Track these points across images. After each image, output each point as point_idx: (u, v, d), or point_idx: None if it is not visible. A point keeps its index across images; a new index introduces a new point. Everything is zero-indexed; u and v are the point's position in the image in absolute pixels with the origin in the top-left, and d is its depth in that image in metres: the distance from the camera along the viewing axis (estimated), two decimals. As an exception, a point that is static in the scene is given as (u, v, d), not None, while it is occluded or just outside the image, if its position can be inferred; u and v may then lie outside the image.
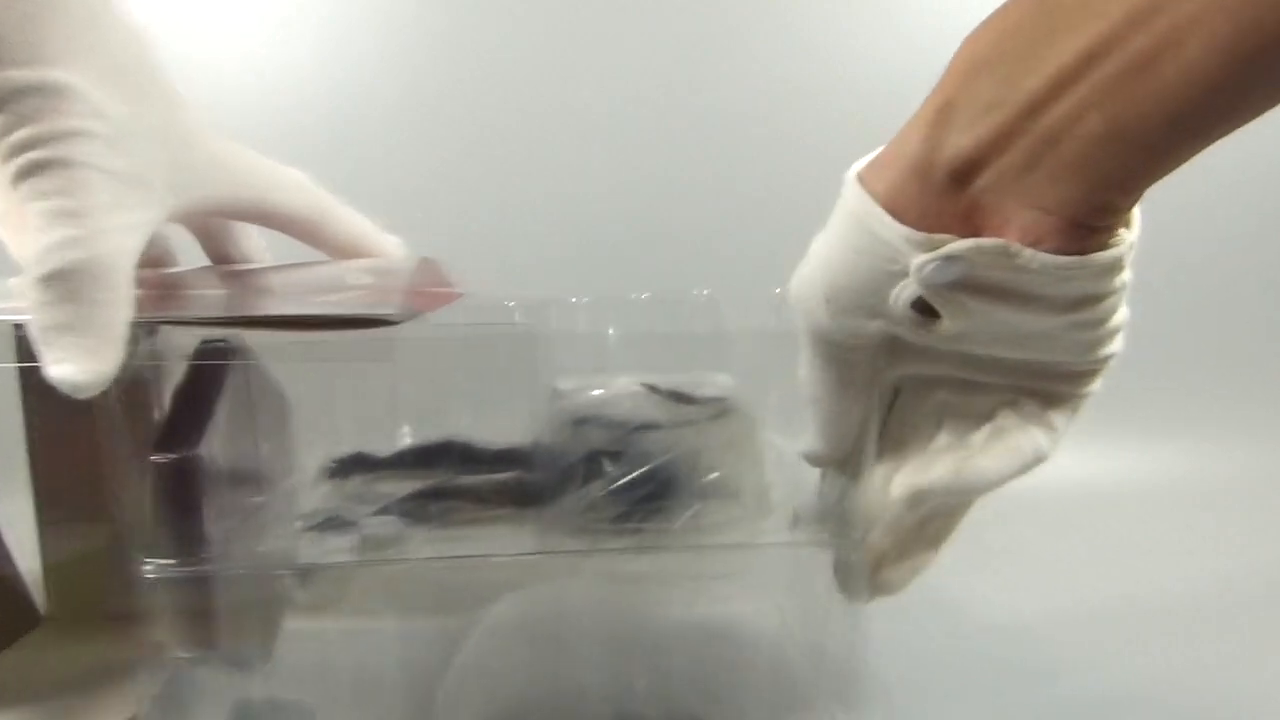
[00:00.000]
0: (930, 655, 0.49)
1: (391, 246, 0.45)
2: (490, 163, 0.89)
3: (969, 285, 0.32)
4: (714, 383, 0.40)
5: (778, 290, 0.50)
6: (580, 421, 0.40)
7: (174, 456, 0.37)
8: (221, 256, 0.44)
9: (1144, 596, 0.57)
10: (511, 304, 0.51)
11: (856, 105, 0.93)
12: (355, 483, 0.46)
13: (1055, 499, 0.64)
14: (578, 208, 0.89)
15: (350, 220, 0.43)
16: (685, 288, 0.52)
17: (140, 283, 0.38)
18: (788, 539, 0.38)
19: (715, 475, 0.39)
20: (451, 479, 0.43)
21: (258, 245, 0.45)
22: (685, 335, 0.46)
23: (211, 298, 0.40)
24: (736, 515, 0.39)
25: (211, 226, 0.43)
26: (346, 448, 0.46)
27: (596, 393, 0.40)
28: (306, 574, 0.41)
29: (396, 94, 0.87)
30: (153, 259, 0.42)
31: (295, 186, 0.41)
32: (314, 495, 0.45)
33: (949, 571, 0.37)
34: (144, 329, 0.37)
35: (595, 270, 0.88)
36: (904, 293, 0.33)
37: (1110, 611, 0.55)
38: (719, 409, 0.39)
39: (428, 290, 0.42)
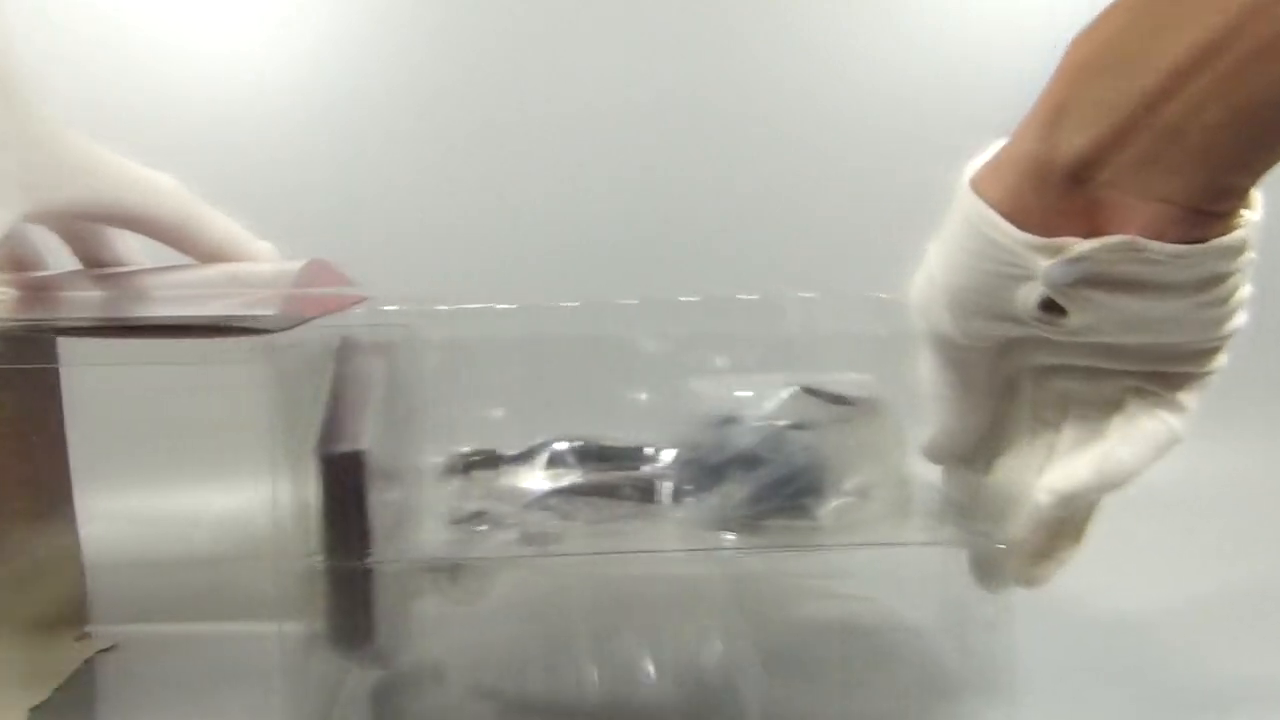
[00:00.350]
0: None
1: (264, 252, 0.45)
2: (489, 162, 0.88)
3: (1095, 281, 0.33)
4: (856, 383, 0.41)
5: (883, 295, 0.52)
6: (725, 421, 0.41)
7: (341, 452, 0.37)
8: (93, 260, 0.43)
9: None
10: (630, 302, 0.52)
11: (857, 105, 0.94)
12: (481, 478, 0.46)
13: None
14: (577, 208, 0.89)
15: (220, 225, 0.43)
16: (786, 289, 0.53)
17: (9, 284, 0.38)
18: (929, 537, 0.40)
19: (860, 475, 0.41)
20: (589, 475, 0.44)
21: (132, 248, 0.44)
22: (805, 337, 0.47)
23: (82, 300, 0.40)
24: (880, 514, 0.41)
25: (79, 230, 0.43)
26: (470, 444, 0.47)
27: (742, 393, 0.41)
28: (457, 569, 0.41)
29: (397, 94, 0.86)
30: (17, 261, 0.42)
31: (160, 191, 0.41)
32: (443, 490, 0.45)
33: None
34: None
35: (595, 271, 0.87)
36: (1030, 295, 0.34)
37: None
38: (868, 410, 0.40)
39: (313, 295, 0.42)
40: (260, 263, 0.43)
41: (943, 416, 0.39)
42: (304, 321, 0.38)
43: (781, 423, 0.41)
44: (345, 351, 0.41)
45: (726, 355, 0.48)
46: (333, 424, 0.38)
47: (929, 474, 0.41)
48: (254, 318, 0.36)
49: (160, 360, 0.47)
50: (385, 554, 0.38)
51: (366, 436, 0.38)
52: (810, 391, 0.40)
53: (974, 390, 0.39)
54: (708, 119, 0.95)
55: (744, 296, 0.52)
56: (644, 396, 0.48)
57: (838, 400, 0.40)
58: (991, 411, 0.39)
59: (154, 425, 0.63)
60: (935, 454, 0.41)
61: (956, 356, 0.38)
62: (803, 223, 0.92)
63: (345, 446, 0.37)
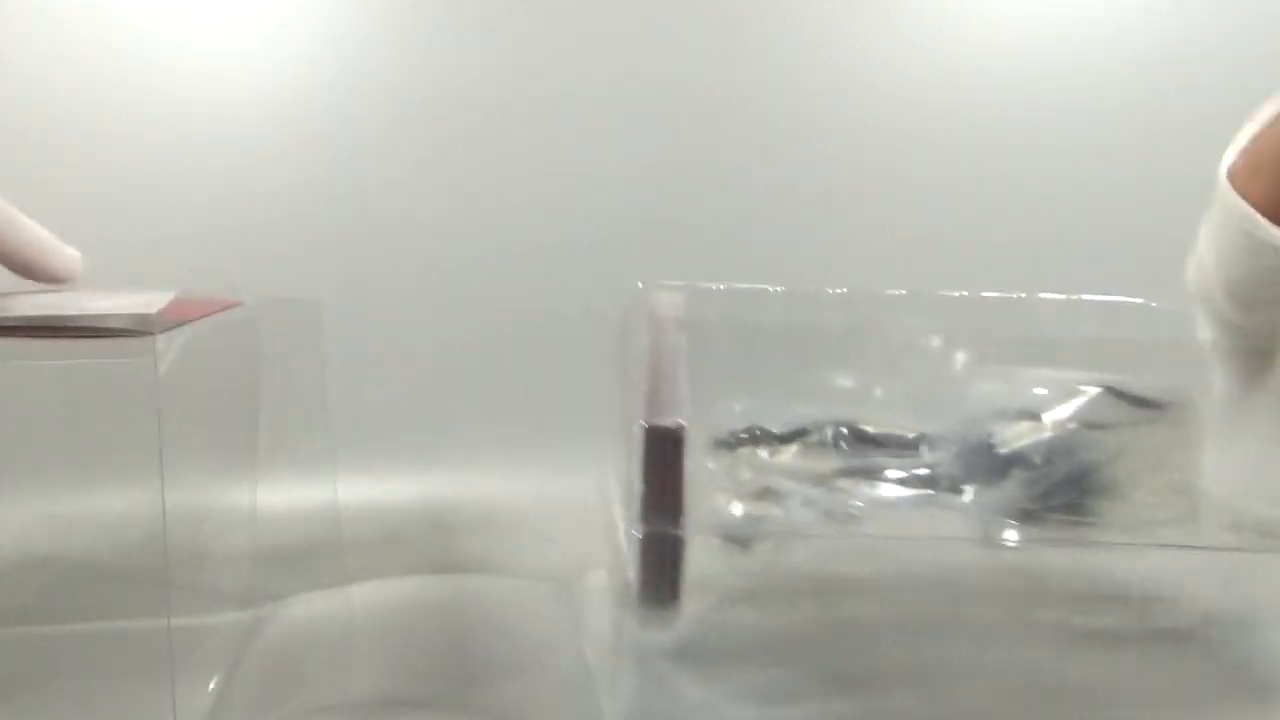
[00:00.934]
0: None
1: (71, 259, 0.44)
2: (490, 162, 0.86)
3: None
4: (1162, 387, 0.42)
5: (1154, 305, 0.52)
6: (1018, 415, 0.42)
7: (665, 425, 0.39)
8: None
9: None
10: (898, 292, 0.53)
11: (856, 105, 0.91)
12: (751, 455, 0.48)
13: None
14: (576, 207, 0.87)
15: (26, 230, 0.43)
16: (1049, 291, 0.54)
17: None
18: (1220, 543, 0.40)
19: (1152, 479, 0.41)
20: (865, 460, 0.45)
21: None
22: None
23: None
24: (1169, 518, 0.41)
25: None
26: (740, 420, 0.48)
27: (1040, 390, 0.42)
28: (750, 541, 0.43)
29: (397, 94, 0.83)
30: None
31: None
32: (718, 465, 0.47)
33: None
34: None
35: (595, 272, 0.85)
36: None
37: None
38: (1171, 415, 0.41)
39: (190, 299, 0.42)
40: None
41: (1233, 413, 0.40)
42: (185, 323, 0.38)
43: (1075, 422, 0.41)
44: (654, 324, 0.43)
45: (992, 351, 0.48)
46: (654, 396, 0.40)
47: (1223, 483, 0.42)
48: (136, 318, 0.36)
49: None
50: (693, 523, 0.40)
51: (686, 409, 0.40)
52: (1114, 392, 0.41)
53: (1261, 379, 0.39)
54: (710, 119, 0.91)
55: (1007, 295, 0.53)
56: (905, 386, 0.49)
57: (1143, 403, 0.41)
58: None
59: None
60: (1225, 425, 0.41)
61: (1242, 344, 0.39)
62: (804, 224, 0.90)
63: (668, 420, 0.39)
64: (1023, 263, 0.79)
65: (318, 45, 0.83)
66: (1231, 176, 0.36)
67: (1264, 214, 0.35)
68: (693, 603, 0.44)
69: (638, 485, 0.39)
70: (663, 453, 0.39)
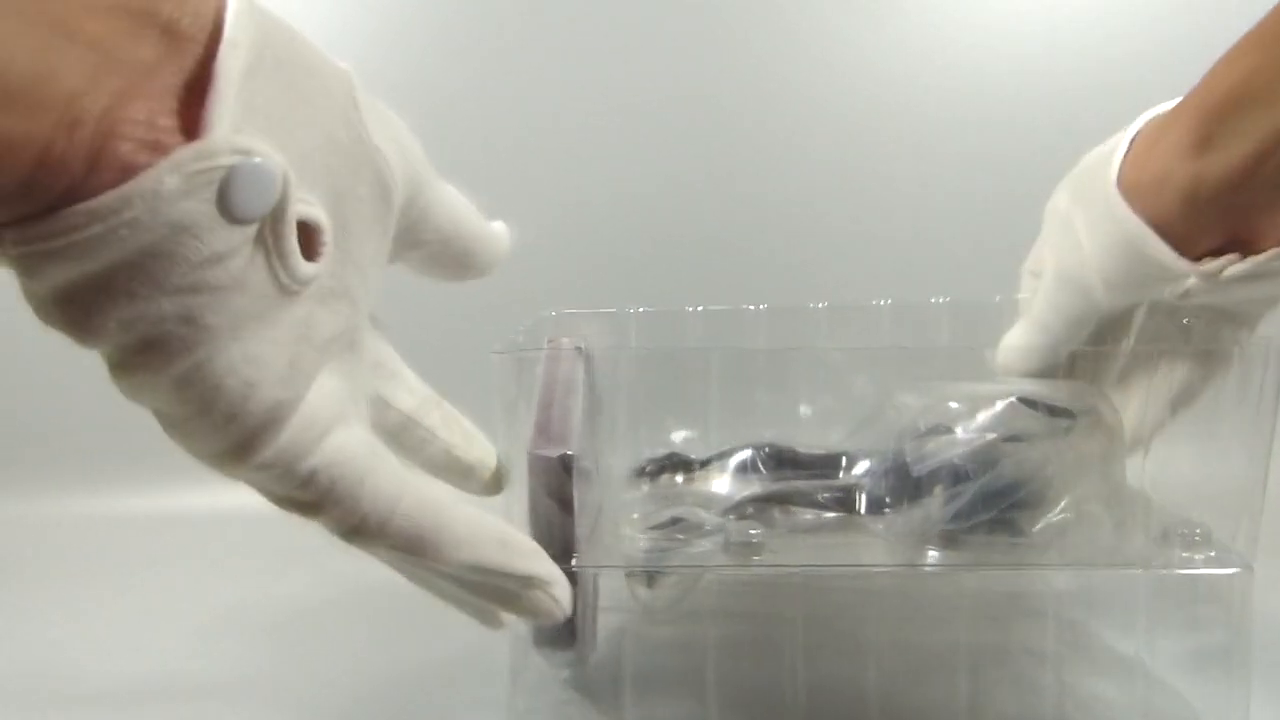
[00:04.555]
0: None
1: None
2: (488, 165, 0.83)
3: (1248, 278, 0.37)
4: (1077, 392, 0.40)
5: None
6: (932, 432, 0.40)
7: (551, 455, 0.37)
8: None
9: None
10: (814, 306, 0.51)
11: (856, 105, 0.88)
12: (671, 483, 0.46)
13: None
14: (576, 210, 0.85)
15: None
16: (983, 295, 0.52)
17: None
18: (1152, 559, 0.38)
19: (1076, 490, 0.39)
20: (783, 483, 0.43)
21: None
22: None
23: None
24: (1096, 532, 0.39)
25: None
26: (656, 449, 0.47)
27: (953, 404, 0.40)
28: (655, 574, 0.41)
29: (398, 98, 0.81)
30: None
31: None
32: (632, 495, 0.45)
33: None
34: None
35: (597, 277, 0.83)
36: (1177, 289, 0.38)
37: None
38: (1088, 422, 0.39)
39: None
40: None
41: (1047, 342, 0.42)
42: None
43: (992, 435, 0.39)
44: (552, 355, 0.41)
45: (927, 364, 0.46)
46: (543, 427, 0.38)
47: (1156, 492, 0.39)
48: None
49: None
50: (587, 558, 0.38)
51: (575, 440, 0.38)
52: (1026, 402, 0.39)
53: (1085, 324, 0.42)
54: (712, 122, 0.88)
55: (931, 300, 0.51)
56: (832, 403, 0.47)
57: (1056, 412, 0.39)
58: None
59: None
60: (1012, 365, 0.43)
61: (1091, 313, 0.41)
62: (806, 228, 0.86)
63: (555, 450, 0.37)
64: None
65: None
66: (1128, 196, 0.38)
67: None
68: (596, 632, 0.42)
69: (526, 520, 0.38)
70: (550, 484, 0.37)
